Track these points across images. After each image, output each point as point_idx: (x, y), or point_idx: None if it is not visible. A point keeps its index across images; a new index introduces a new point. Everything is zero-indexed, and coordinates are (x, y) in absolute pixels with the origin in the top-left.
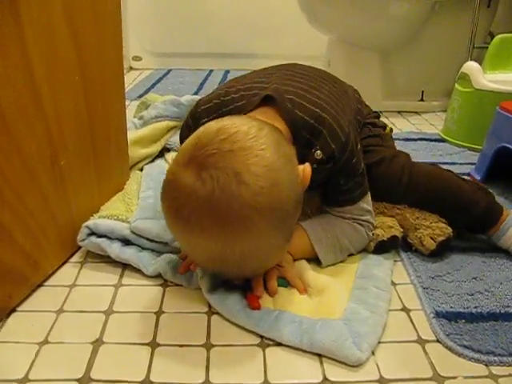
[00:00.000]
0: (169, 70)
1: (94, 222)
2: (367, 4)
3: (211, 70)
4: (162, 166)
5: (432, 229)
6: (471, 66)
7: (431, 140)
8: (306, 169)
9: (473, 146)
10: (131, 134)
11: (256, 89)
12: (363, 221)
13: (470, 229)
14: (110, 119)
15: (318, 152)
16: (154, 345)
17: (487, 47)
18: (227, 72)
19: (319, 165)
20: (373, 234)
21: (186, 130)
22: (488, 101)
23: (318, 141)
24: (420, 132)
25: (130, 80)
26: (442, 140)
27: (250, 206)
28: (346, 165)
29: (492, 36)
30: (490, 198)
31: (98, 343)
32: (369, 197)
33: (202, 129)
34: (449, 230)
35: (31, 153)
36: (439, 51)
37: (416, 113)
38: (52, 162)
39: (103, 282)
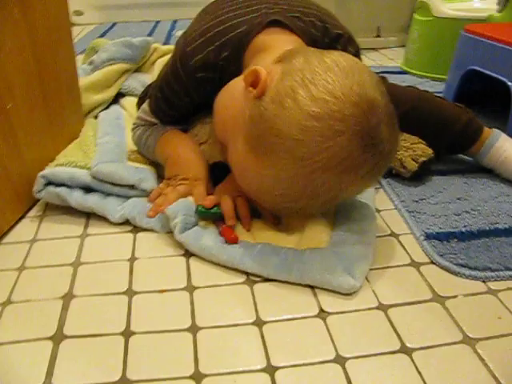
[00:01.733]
0: (113, 24)
1: (51, 170)
2: None
3: (158, 22)
4: (117, 112)
5: (413, 150)
6: None
7: (393, 73)
8: None
9: (435, 75)
10: (82, 80)
11: (252, 13)
12: None
13: (452, 148)
14: (58, 63)
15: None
16: (130, 293)
17: None
18: (175, 22)
19: None
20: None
21: (176, 84)
22: (449, 28)
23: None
24: (380, 66)
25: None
26: (403, 72)
27: None
28: None
29: None
30: (469, 113)
31: (67, 297)
32: None
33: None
34: (430, 151)
35: None
36: None
37: (374, 49)
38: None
39: (67, 233)
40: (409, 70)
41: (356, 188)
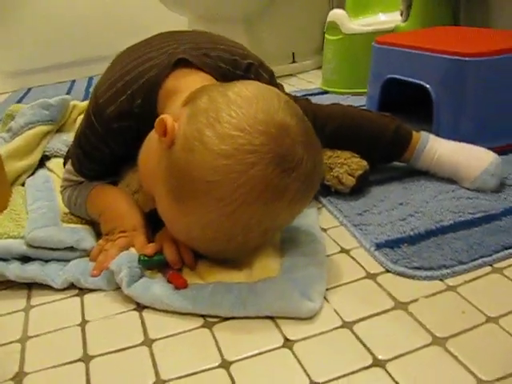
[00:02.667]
0: (28, 89)
1: None
2: None
3: (73, 81)
4: (45, 175)
5: (347, 165)
6: (337, 13)
7: (315, 94)
8: None
9: (355, 90)
10: (2, 149)
11: (159, 56)
12: None
13: (386, 157)
14: None
15: None
16: (87, 359)
17: None
18: (91, 79)
19: None
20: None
21: (93, 137)
22: (360, 43)
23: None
24: (301, 90)
25: None
26: (324, 92)
27: None
28: None
29: None
30: (396, 121)
31: (19, 377)
32: None
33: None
34: (364, 163)
35: None
36: (301, 10)
37: (291, 75)
38: None
39: (9, 309)
40: (329, 89)
41: (288, 213)
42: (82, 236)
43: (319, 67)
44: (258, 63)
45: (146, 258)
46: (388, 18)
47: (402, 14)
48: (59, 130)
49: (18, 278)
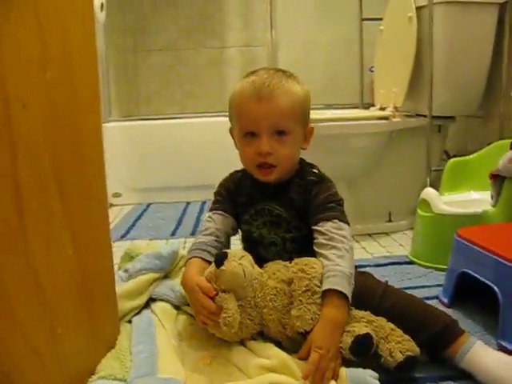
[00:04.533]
0: (148, 205)
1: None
2: (330, 141)
3: (188, 203)
4: (150, 318)
5: (402, 344)
6: (429, 193)
7: (400, 263)
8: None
9: (439, 266)
10: (119, 288)
11: None
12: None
13: (431, 344)
14: (101, 280)
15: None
16: None
17: (442, 169)
18: (204, 203)
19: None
20: (348, 332)
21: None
22: (448, 223)
23: None
24: (389, 256)
25: (111, 217)
26: (410, 262)
27: None
28: None
29: (448, 155)
30: (452, 319)
31: None
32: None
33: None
34: (417, 349)
35: (32, 329)
36: (401, 173)
37: (385, 234)
38: (51, 332)
39: None
40: (416, 260)
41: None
42: None
43: (413, 228)
44: None
45: None
46: (479, 197)
47: (492, 198)
48: (166, 276)
49: None
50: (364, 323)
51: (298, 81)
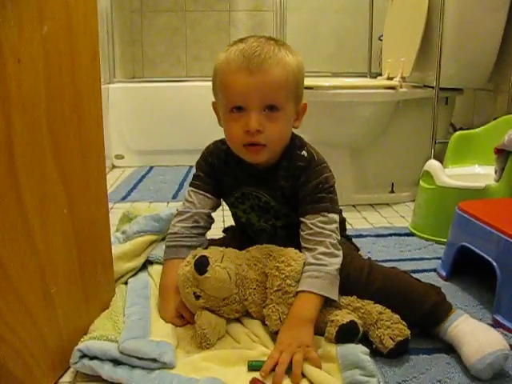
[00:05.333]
0: (150, 168)
1: (86, 344)
2: (336, 108)
3: (191, 166)
4: (145, 280)
5: (392, 329)
6: (433, 165)
7: (401, 235)
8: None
9: (439, 239)
10: (115, 250)
11: None
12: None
13: (420, 325)
14: (96, 241)
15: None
16: None
17: (447, 142)
18: None
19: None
20: (332, 321)
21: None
22: (450, 196)
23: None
24: (391, 227)
25: (113, 179)
26: (411, 234)
27: None
28: None
29: (454, 128)
30: (439, 297)
31: None
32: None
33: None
34: (407, 332)
35: (25, 289)
36: (406, 144)
37: (387, 204)
38: (43, 292)
39: None
40: (416, 232)
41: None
42: (165, 350)
43: (414, 200)
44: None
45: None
46: (483, 171)
47: (496, 172)
48: (163, 239)
49: (108, 377)
50: (348, 311)
51: (292, 50)
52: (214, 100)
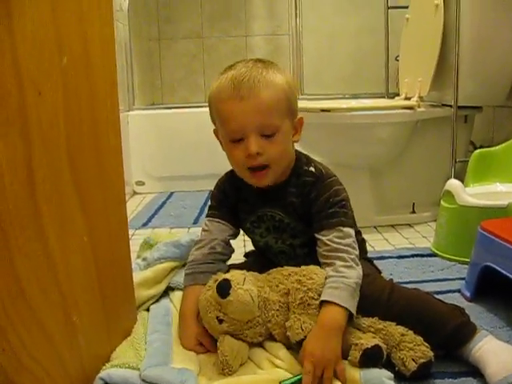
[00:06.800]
0: (171, 193)
1: (107, 372)
2: (355, 130)
3: (211, 191)
4: (167, 307)
5: (414, 351)
6: (453, 184)
7: (423, 255)
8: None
9: (463, 259)
10: (136, 277)
11: None
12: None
13: (442, 347)
14: (117, 268)
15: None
16: None
17: (468, 161)
18: None
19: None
20: (356, 345)
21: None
22: (472, 216)
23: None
24: (412, 248)
25: (134, 206)
26: (433, 254)
27: None
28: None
29: (474, 146)
30: (464, 318)
31: None
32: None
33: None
34: (430, 354)
35: (47, 317)
36: (426, 164)
37: (409, 225)
38: (65, 320)
39: None
40: (438, 252)
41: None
42: (187, 377)
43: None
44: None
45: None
46: (505, 189)
47: None
48: (185, 265)
49: None
50: (372, 334)
51: (279, 69)
52: (214, 128)
